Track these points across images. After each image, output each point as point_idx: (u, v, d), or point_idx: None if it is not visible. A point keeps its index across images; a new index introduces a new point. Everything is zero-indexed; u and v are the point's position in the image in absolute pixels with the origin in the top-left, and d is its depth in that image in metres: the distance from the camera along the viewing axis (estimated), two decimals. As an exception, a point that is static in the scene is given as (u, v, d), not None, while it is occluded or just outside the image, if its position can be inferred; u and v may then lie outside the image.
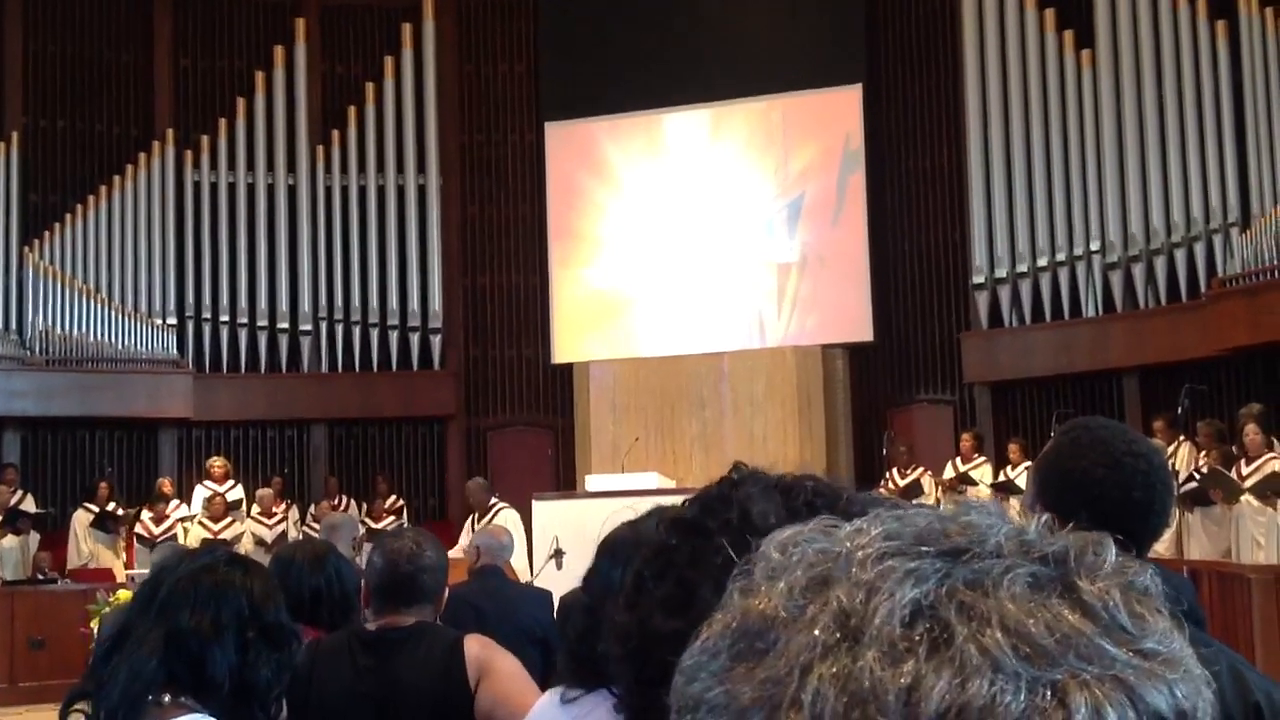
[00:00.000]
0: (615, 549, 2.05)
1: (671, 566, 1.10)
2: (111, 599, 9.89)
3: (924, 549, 0.64)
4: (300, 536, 13.48)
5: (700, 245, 14.93)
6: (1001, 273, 13.53)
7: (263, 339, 15.18)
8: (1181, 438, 11.26)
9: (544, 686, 5.03)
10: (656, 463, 12.95)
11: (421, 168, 15.72)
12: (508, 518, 10.54)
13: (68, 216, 14.60)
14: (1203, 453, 10.77)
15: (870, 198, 14.58)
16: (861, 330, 14.50)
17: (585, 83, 15.36)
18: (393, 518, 14.00)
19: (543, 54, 15.78)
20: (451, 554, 9.82)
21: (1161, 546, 9.28)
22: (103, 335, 14.37)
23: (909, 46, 14.72)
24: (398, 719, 2.94)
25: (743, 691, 0.62)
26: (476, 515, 10.92)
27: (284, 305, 15.24)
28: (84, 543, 13.17)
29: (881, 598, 0.62)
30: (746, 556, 0.69)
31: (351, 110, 15.65)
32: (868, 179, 14.59)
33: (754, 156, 14.93)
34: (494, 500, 10.99)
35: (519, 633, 5.14)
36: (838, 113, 14.71)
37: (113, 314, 14.47)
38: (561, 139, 15.66)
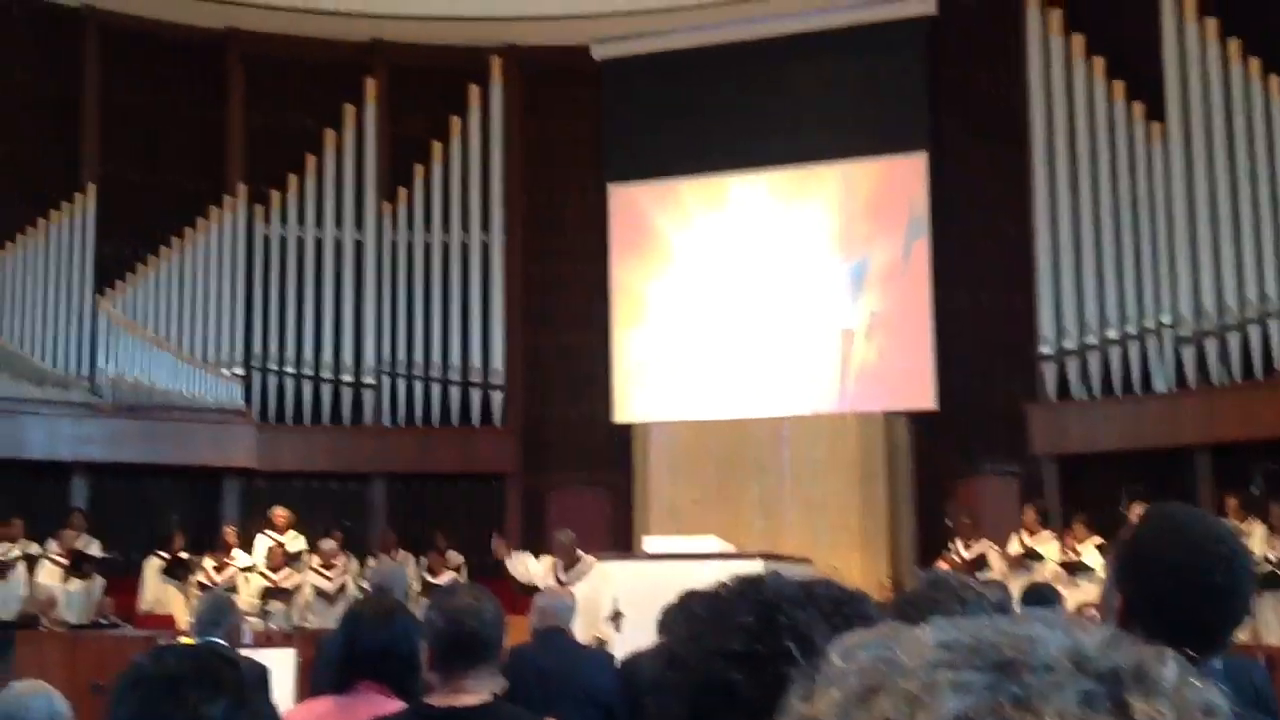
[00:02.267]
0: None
1: (738, 699, 1.12)
2: (174, 644, 10.00)
3: (976, 661, 0.63)
4: (359, 591, 13.53)
5: (762, 309, 14.93)
6: (1070, 344, 13.42)
7: (326, 391, 15.33)
8: (1255, 519, 11.06)
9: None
10: (716, 526, 12.87)
11: (485, 226, 15.88)
12: (597, 573, 10.39)
13: (140, 267, 14.87)
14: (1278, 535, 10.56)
15: (934, 264, 14.54)
16: (924, 398, 14.41)
17: (648, 145, 15.47)
18: (451, 573, 14.01)
19: (606, 117, 15.93)
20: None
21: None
22: (171, 384, 14.57)
23: (974, 114, 14.72)
24: None
25: None
26: (562, 566, 10.77)
27: (348, 358, 15.40)
28: (153, 588, 13.31)
29: (925, 710, 0.61)
30: (814, 660, 0.70)
31: (418, 169, 15.87)
32: (932, 245, 14.56)
33: (817, 221, 14.94)
34: (580, 553, 10.81)
35: (582, 695, 5.13)
36: (902, 179, 14.71)
37: (181, 363, 14.69)
38: (624, 200, 15.77)
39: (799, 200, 15.02)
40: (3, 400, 13.73)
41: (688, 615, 1.20)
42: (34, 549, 13.00)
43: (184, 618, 12.42)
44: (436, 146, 15.87)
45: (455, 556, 14.58)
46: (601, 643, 8.96)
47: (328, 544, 13.86)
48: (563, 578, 10.38)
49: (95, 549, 13.37)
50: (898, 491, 14.32)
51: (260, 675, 3.12)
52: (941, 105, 14.84)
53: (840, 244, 14.86)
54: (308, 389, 15.27)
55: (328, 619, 12.78)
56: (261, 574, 13.25)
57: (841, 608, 1.16)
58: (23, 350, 14.04)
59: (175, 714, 1.97)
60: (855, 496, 14.16)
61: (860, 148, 14.75)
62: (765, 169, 15.09)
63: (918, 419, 14.51)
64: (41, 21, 14.87)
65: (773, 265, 14.96)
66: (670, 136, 15.36)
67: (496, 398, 15.57)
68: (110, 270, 14.79)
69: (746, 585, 1.20)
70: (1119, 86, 13.53)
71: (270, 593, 12.93)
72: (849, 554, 13.65)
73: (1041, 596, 5.77)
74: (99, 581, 13.10)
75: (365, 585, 13.40)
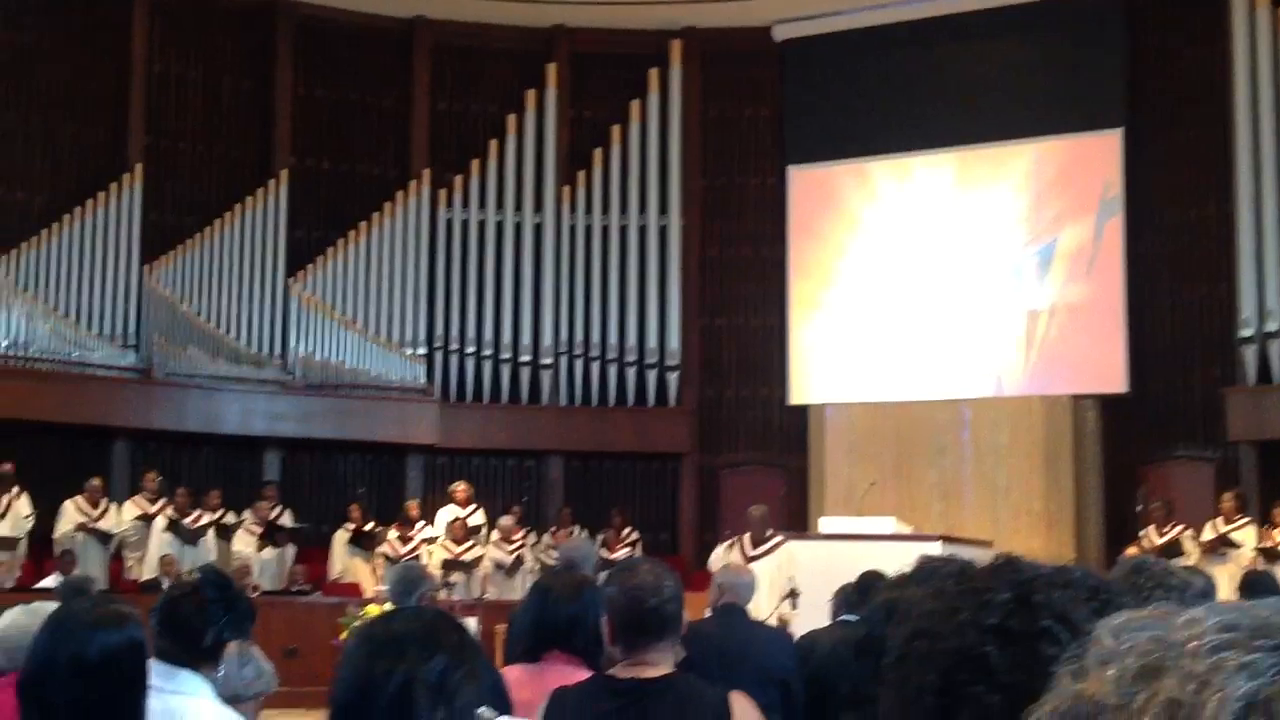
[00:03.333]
0: (895, 613, 2.03)
1: (991, 673, 1.13)
2: (361, 613, 10.33)
3: (1262, 642, 0.62)
4: (536, 564, 13.79)
5: (944, 290, 14.68)
6: (1272, 327, 12.86)
7: (506, 371, 15.62)
8: None
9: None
10: (893, 508, 12.74)
11: (664, 209, 15.96)
12: (785, 552, 10.36)
13: (329, 250, 15.35)
14: None
15: (1128, 245, 14.08)
16: (1114, 381, 13.99)
17: (829, 127, 15.33)
18: (627, 550, 14.18)
19: (787, 99, 15.84)
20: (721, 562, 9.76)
21: None
22: (358, 363, 15.04)
23: (1174, 90, 14.17)
24: None
25: None
26: (749, 543, 10.71)
27: (527, 339, 15.67)
28: (341, 558, 13.81)
29: (1213, 691, 0.61)
30: (1078, 641, 0.69)
31: (597, 152, 16.03)
32: (1126, 226, 14.10)
33: (1004, 202, 14.61)
34: (771, 532, 10.74)
35: (760, 673, 5.12)
36: (1095, 158, 14.27)
37: (367, 343, 15.14)
38: (804, 183, 15.67)
39: (986, 180, 14.69)
40: (202, 378, 14.35)
41: (937, 590, 1.21)
42: (230, 519, 13.57)
43: (370, 587, 12.83)
44: (615, 130, 16.00)
45: (631, 533, 14.75)
46: (784, 622, 8.94)
47: (506, 519, 14.16)
48: (750, 552, 10.33)
49: (287, 520, 13.91)
50: (1084, 476, 13.94)
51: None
52: (1138, 80, 14.34)
53: (1028, 224, 14.49)
54: (488, 369, 15.58)
55: (506, 591, 13.08)
56: (444, 546, 13.60)
57: (1099, 591, 1.16)
58: (220, 330, 14.64)
59: (396, 670, 2.06)
60: (1039, 480, 13.84)
61: (1051, 125, 14.35)
62: (951, 148, 14.79)
63: (1107, 403, 14.10)
64: (236, 17, 15.45)
65: (957, 246, 14.68)
66: (852, 117, 15.19)
67: (672, 379, 15.66)
68: (301, 254, 15.31)
69: (1002, 563, 1.21)
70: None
71: (451, 565, 13.25)
72: (1031, 538, 13.36)
73: (1261, 584, 5.54)
74: (291, 550, 13.61)
75: (544, 559, 13.66)
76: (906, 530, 11.18)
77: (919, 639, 1.19)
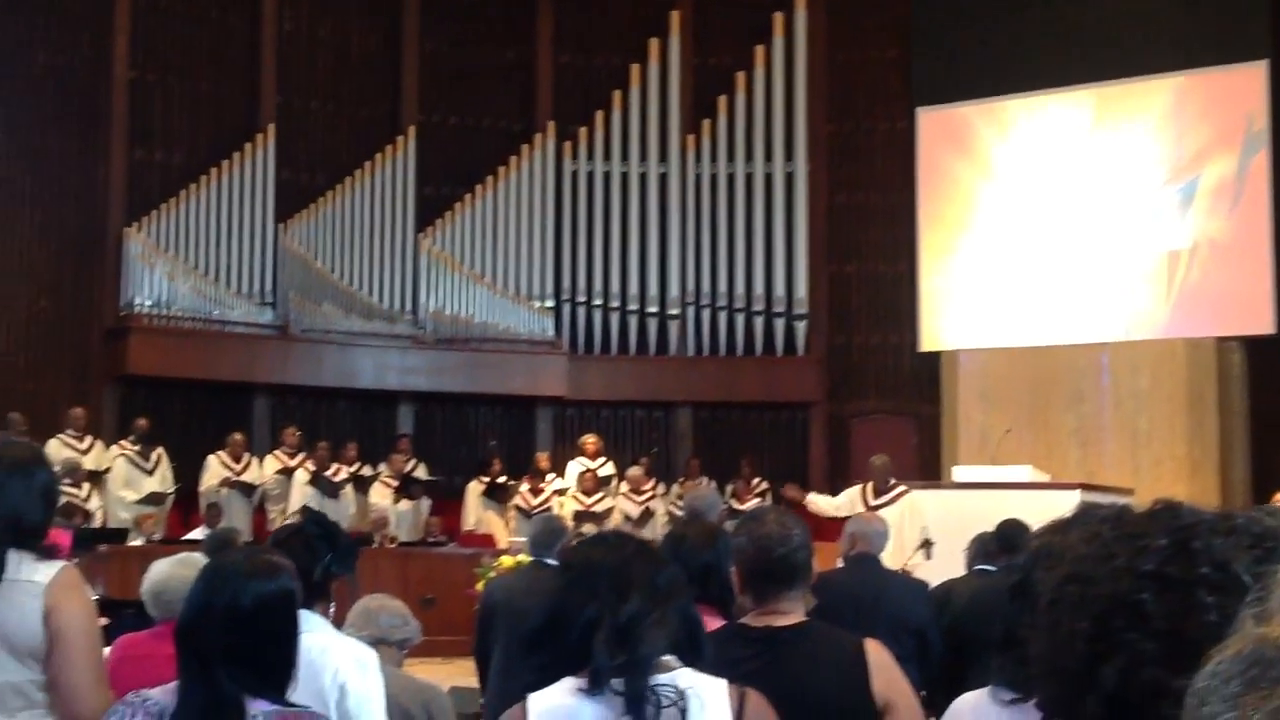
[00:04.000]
0: (1049, 557, 1.98)
1: (1146, 619, 1.09)
2: (495, 564, 10.50)
3: None
4: (666, 515, 13.87)
5: (1080, 231, 14.30)
6: None
7: (633, 322, 15.66)
8: None
9: (920, 679, 4.97)
10: (1029, 456, 12.52)
11: (789, 155, 15.80)
12: (908, 502, 10.30)
13: (457, 206, 15.51)
14: None
15: (1275, 181, 13.56)
16: (1261, 322, 13.51)
17: (960, 67, 14.99)
18: (757, 500, 14.17)
19: (916, 39, 15.52)
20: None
21: None
22: (487, 317, 15.20)
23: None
24: (791, 718, 2.78)
25: (1253, 718, 0.60)
26: (871, 492, 10.65)
27: (653, 289, 15.68)
28: (474, 510, 14.04)
29: None
30: (1262, 583, 0.66)
31: (722, 100, 15.91)
32: (1272, 161, 13.57)
33: (1142, 139, 14.15)
34: (893, 482, 10.68)
35: (895, 623, 5.08)
36: (1239, 91, 13.74)
37: (496, 296, 15.29)
38: (934, 125, 15.36)
39: (1124, 117, 14.23)
40: (337, 334, 14.65)
41: (1091, 534, 1.18)
42: (367, 472, 13.86)
43: (503, 538, 13.04)
44: (740, 77, 15.87)
45: (760, 483, 14.74)
46: (908, 571, 8.86)
47: (635, 470, 14.24)
48: (873, 502, 10.26)
49: (421, 472, 14.17)
50: (1230, 420, 13.53)
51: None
52: (1284, 8, 13.76)
53: (1169, 162, 14.03)
54: (615, 320, 15.64)
55: (637, 542, 13.14)
56: (574, 498, 13.73)
57: (1263, 539, 1.11)
58: (353, 287, 14.90)
59: (587, 607, 2.18)
60: (1182, 425, 13.48)
61: (1193, 58, 13.84)
62: (1087, 85, 14.35)
63: (1253, 344, 13.65)
64: (362, -26, 15.63)
65: (1094, 186, 14.28)
66: (983, 55, 14.83)
67: (800, 327, 15.56)
68: (429, 209, 15.50)
69: (1160, 508, 1.17)
70: None
71: (583, 516, 13.38)
72: (1174, 485, 13.02)
73: None
74: (426, 502, 13.86)
75: (674, 510, 13.72)
76: (1043, 479, 10.97)
77: (1071, 584, 1.17)
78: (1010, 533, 6.06)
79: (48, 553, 3.02)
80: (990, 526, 6.36)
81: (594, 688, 2.20)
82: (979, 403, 14.52)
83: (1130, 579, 1.12)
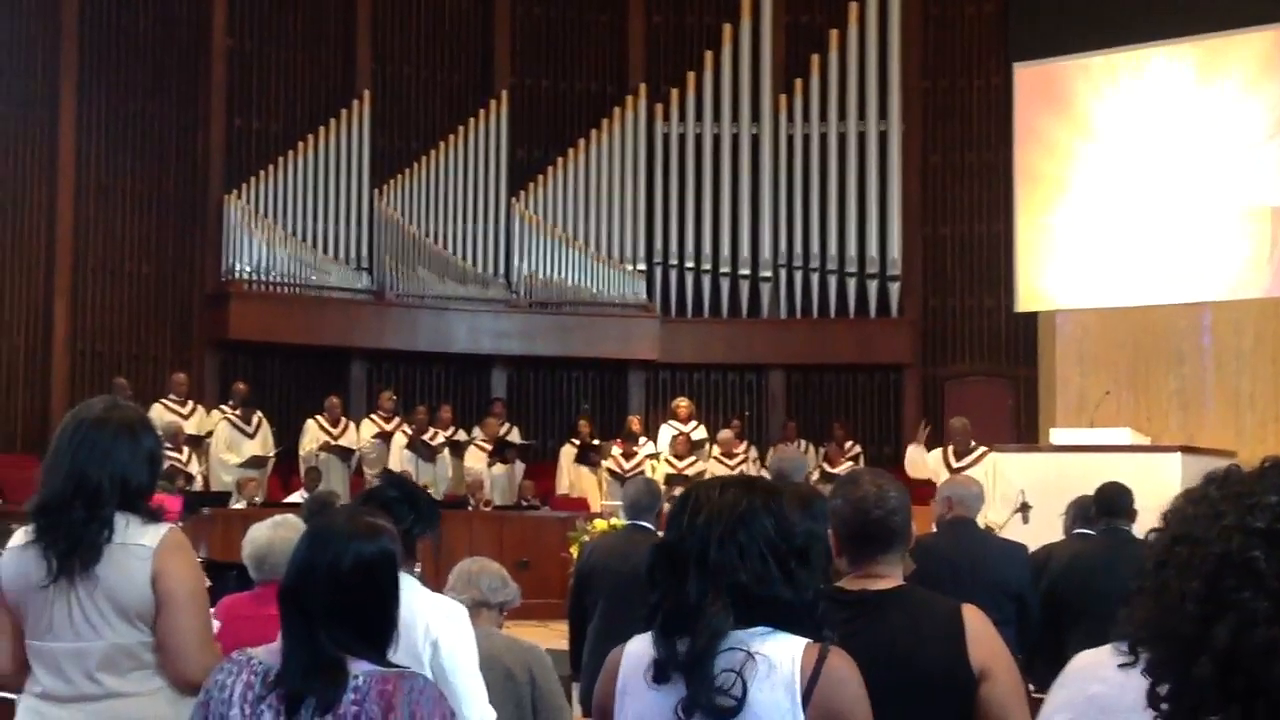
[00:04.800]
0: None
1: (1258, 577, 1.08)
2: (589, 527, 10.57)
3: None
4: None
5: (1181, 189, 13.94)
6: None
7: (725, 285, 15.61)
8: None
9: (1019, 644, 4.92)
10: (1129, 418, 12.31)
11: (883, 114, 15.60)
12: (990, 463, 10.20)
13: (549, 169, 15.55)
14: None
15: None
16: (1368, 280, 13.13)
17: (1060, 20, 14.66)
18: (849, 463, 14.09)
19: (1013, -8, 15.20)
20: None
21: None
22: (579, 280, 15.25)
23: None
24: (886, 684, 2.84)
25: None
26: (953, 455, 10.58)
27: (745, 252, 15.61)
28: (568, 474, 14.13)
29: None
30: None
31: (814, 59, 15.74)
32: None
33: (1249, 92, 13.74)
34: (974, 444, 10.60)
35: (994, 587, 5.03)
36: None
37: (588, 260, 15.32)
38: (1032, 81, 15.05)
39: (1226, 70, 13.83)
40: (432, 299, 14.79)
41: (1198, 495, 1.16)
42: (461, 436, 14.00)
43: (597, 501, 13.11)
44: (833, 35, 15.68)
45: (853, 447, 14.66)
46: (990, 531, 8.79)
47: (726, 433, 14.23)
48: (955, 465, 10.18)
49: (515, 436, 14.28)
50: (1337, 382, 13.18)
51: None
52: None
53: (1273, 115, 13.63)
54: (707, 283, 15.60)
55: (729, 505, 13.14)
56: (667, 461, 13.76)
57: None
58: (447, 251, 15.03)
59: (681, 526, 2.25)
60: (1288, 387, 13.14)
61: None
62: (1188, 38, 13.97)
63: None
64: (454, -62, 15.67)
65: (1195, 141, 13.90)
66: (1083, 8, 14.47)
67: (894, 288, 15.40)
68: (522, 173, 15.55)
69: (1270, 466, 1.16)
70: None
71: (674, 479, 13.40)
72: (1278, 448, 12.72)
73: None
74: (519, 466, 13.98)
75: (765, 473, 13.69)
76: (1143, 441, 10.79)
77: (1180, 545, 1.15)
78: (1111, 496, 5.98)
79: (153, 515, 3.08)
80: (1090, 490, 6.27)
81: (659, 675, 2.24)
82: (1077, 364, 14.29)
83: (1241, 537, 1.11)
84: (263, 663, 2.36)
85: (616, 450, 13.91)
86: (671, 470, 13.55)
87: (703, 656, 2.19)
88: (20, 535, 3.08)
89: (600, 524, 10.36)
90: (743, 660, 2.20)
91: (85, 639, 2.98)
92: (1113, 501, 5.96)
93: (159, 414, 12.32)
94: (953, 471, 9.60)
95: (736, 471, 13.88)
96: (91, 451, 3.00)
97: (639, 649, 2.32)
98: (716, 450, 14.19)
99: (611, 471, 13.65)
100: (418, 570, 3.42)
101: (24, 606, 3.04)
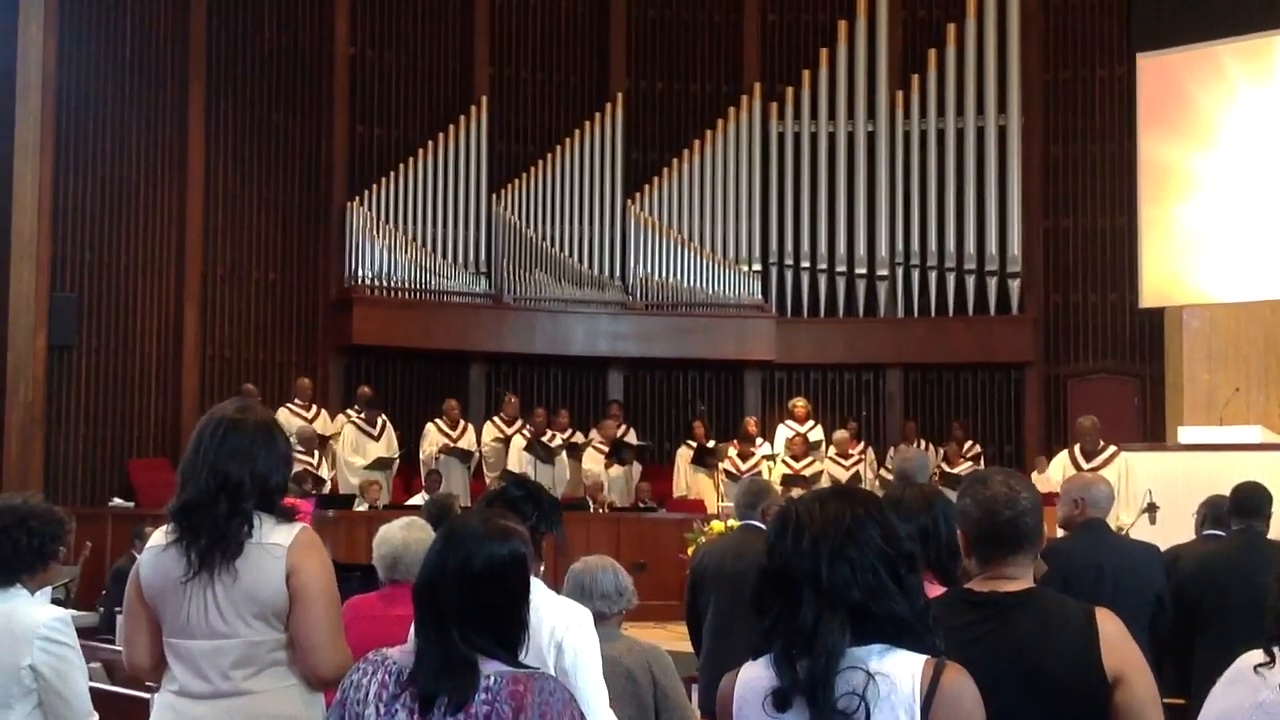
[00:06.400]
0: None
1: None
2: (706, 529, 10.57)
3: None
4: (875, 479, 13.72)
5: (1313, 180, 13.49)
6: None
7: (841, 284, 15.50)
8: None
9: (1154, 644, 4.81)
10: (1260, 416, 11.97)
11: (1002, 108, 15.37)
12: (1121, 463, 9.99)
13: (665, 170, 15.58)
14: None
15: None
16: None
17: (1184, 8, 14.27)
18: (969, 464, 13.90)
19: (1135, -19, 14.86)
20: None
21: None
22: (694, 281, 15.26)
23: None
24: (1015, 688, 2.72)
25: None
26: (1081, 455, 10.35)
27: (861, 250, 15.48)
28: (684, 476, 14.14)
29: None
30: None
31: (931, 53, 15.56)
32: None
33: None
34: (1103, 444, 10.36)
35: (1133, 590, 4.92)
36: None
37: (703, 261, 15.32)
38: (1156, 71, 14.66)
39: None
40: (551, 302, 14.92)
41: None
42: (579, 438, 14.09)
43: (713, 503, 13.09)
44: (950, 29, 15.48)
45: (973, 447, 14.45)
46: (1121, 531, 8.60)
47: (841, 433, 14.12)
48: (1085, 465, 9.97)
49: (632, 438, 14.33)
50: None
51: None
52: None
53: None
54: (823, 282, 15.50)
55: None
56: (783, 462, 13.70)
57: None
58: (563, 254, 15.14)
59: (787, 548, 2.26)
60: None
61: None
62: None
63: None
64: (569, -56, 15.79)
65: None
66: (1207, -4, 14.10)
67: (1014, 285, 15.16)
68: (637, 175, 15.62)
69: None
70: None
71: (791, 480, 13.33)
72: None
73: None
74: (636, 468, 14.03)
75: (884, 474, 13.57)
76: (1274, 440, 10.48)
77: None
78: (1248, 496, 5.81)
79: (287, 515, 3.16)
80: (1218, 490, 6.11)
81: (780, 704, 2.22)
82: (1205, 361, 13.92)
83: None
84: (397, 662, 2.40)
85: (733, 451, 13.89)
86: (788, 471, 13.49)
87: (824, 679, 2.18)
88: (160, 535, 3.17)
89: (717, 525, 10.35)
90: (864, 681, 2.18)
91: (221, 637, 3.06)
92: (1249, 501, 5.79)
93: (285, 418, 12.58)
94: (1080, 470, 9.39)
95: (852, 472, 13.79)
96: (232, 451, 3.09)
97: (751, 676, 2.30)
98: (833, 451, 14.09)
99: (728, 473, 13.62)
100: (542, 570, 3.47)
101: (162, 604, 3.13)
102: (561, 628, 3.24)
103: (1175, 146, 14.41)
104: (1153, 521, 9.08)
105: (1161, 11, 14.51)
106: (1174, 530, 7.12)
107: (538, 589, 3.22)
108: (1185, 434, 11.26)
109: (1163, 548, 6.00)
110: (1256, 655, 2.22)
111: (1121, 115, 14.93)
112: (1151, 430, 14.02)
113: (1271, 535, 5.70)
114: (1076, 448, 10.44)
